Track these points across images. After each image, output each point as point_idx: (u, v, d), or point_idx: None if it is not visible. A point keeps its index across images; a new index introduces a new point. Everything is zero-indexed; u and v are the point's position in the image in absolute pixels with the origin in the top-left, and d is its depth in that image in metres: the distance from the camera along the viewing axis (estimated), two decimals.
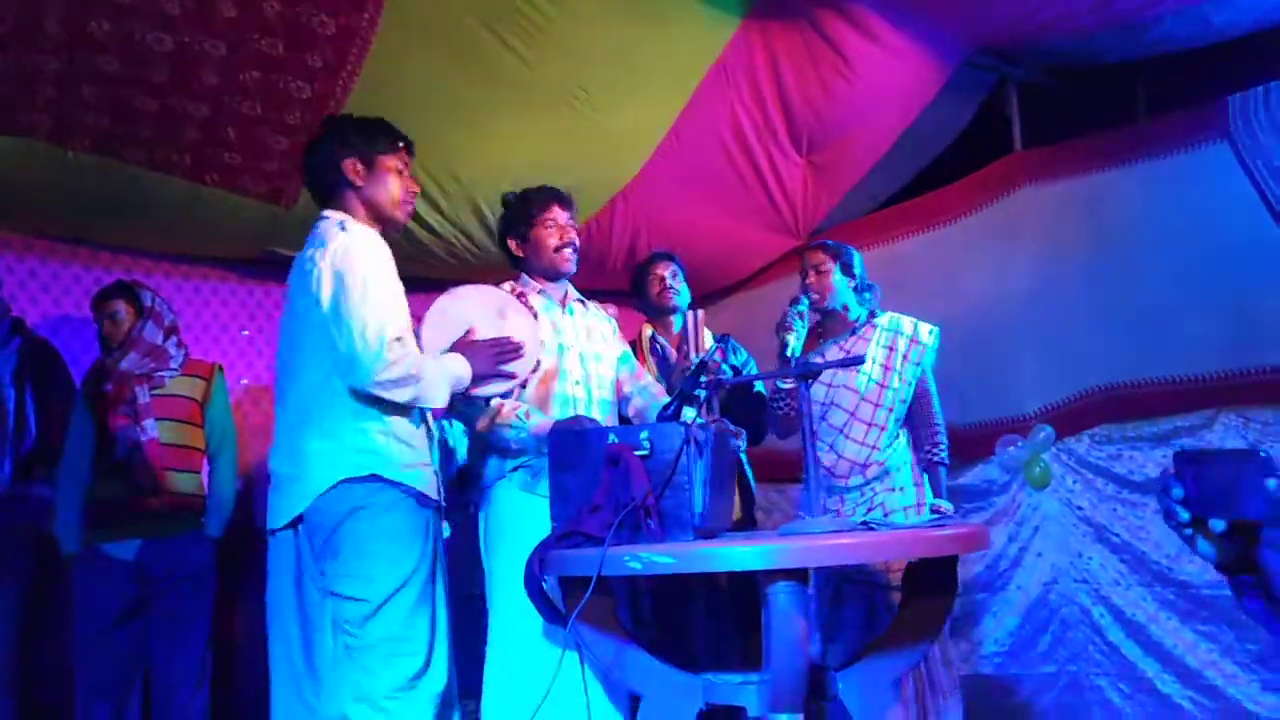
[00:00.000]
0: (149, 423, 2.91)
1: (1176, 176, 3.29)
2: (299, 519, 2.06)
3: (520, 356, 2.31)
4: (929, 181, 4.15)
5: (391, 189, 2.24)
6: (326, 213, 2.21)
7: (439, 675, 2.09)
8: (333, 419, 2.06)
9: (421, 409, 2.19)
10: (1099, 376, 3.44)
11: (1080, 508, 3.46)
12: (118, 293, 3.06)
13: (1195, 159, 3.26)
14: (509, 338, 2.30)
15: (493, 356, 2.25)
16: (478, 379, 2.24)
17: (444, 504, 2.24)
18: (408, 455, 2.10)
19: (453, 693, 2.15)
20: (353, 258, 2.07)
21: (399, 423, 2.11)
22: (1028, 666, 3.53)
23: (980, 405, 3.69)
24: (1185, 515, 1.00)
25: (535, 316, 2.53)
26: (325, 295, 2.05)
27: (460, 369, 2.18)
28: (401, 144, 2.27)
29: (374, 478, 2.04)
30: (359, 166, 2.21)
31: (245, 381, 3.84)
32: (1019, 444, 3.52)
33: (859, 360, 2.39)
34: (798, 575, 1.84)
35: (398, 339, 2.04)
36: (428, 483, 2.15)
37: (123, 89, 2.81)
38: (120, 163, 3.05)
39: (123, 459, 2.88)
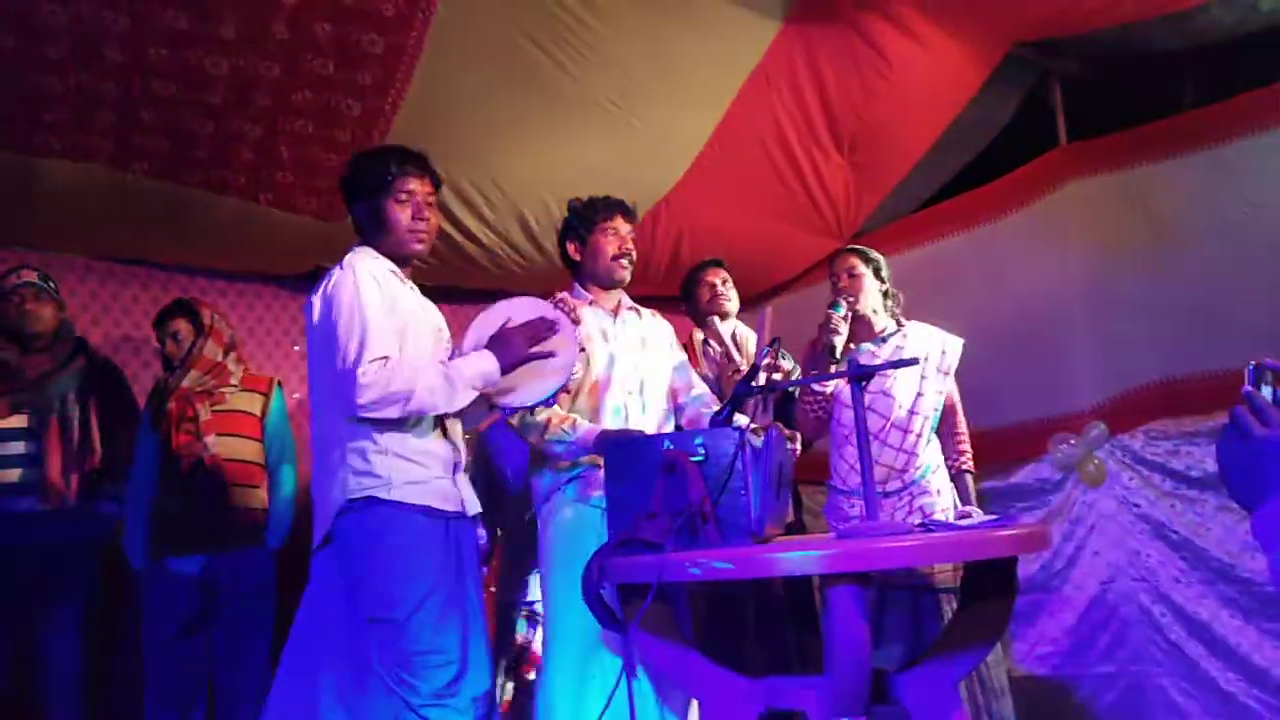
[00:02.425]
0: (211, 439, 2.97)
1: (1229, 165, 3.23)
2: (326, 541, 2.14)
3: (555, 333, 2.28)
4: (973, 178, 4.11)
5: (395, 230, 2.25)
6: (355, 245, 2.29)
7: (479, 679, 2.12)
8: (335, 443, 2.12)
9: (439, 419, 2.20)
10: (1152, 371, 3.38)
11: (1137, 505, 3.41)
12: (178, 311, 3.13)
13: (1249, 147, 3.20)
14: (541, 317, 2.28)
15: (524, 340, 2.23)
16: (511, 366, 2.21)
17: (467, 511, 2.24)
18: (410, 471, 2.12)
19: (495, 694, 2.18)
20: (340, 287, 2.13)
21: (396, 439, 2.12)
22: (1086, 666, 3.49)
23: (1032, 403, 3.65)
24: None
25: (578, 322, 2.55)
26: (317, 325, 2.15)
27: (482, 365, 2.17)
28: (392, 176, 2.24)
29: (370, 500, 2.08)
30: (364, 215, 2.28)
31: (298, 396, 3.91)
32: (1072, 441, 3.48)
33: (914, 361, 2.38)
34: (859, 578, 1.84)
35: (378, 360, 2.05)
36: (437, 494, 2.15)
37: (180, 112, 2.89)
38: (178, 184, 3.14)
39: (186, 475, 2.94)
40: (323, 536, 2.14)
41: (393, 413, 2.06)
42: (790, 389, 3.10)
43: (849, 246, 3.11)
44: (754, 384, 2.33)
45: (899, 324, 2.97)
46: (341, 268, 2.18)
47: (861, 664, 1.84)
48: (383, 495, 2.08)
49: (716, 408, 2.65)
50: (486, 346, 2.23)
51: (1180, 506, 3.30)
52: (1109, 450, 3.47)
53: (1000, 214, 3.87)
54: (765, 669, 2.79)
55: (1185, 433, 3.32)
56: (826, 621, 1.88)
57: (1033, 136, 3.90)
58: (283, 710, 2.16)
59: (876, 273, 2.96)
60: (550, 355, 2.27)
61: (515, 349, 2.21)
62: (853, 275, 2.95)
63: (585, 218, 2.68)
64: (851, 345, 2.97)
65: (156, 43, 2.68)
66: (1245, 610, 3.12)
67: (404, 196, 2.24)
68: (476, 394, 2.17)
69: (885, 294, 2.98)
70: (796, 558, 1.82)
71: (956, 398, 2.96)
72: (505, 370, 2.20)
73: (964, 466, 2.93)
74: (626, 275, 2.67)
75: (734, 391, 2.36)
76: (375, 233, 2.27)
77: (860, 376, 2.18)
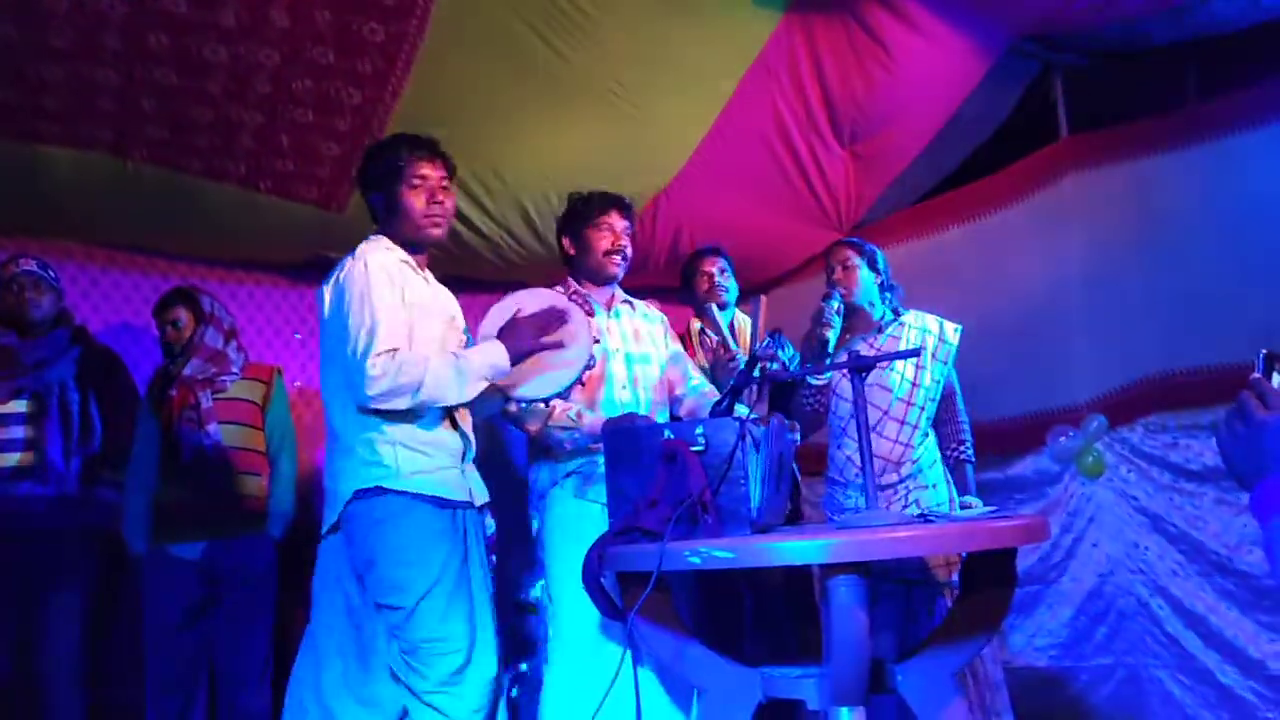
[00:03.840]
0: (212, 427, 2.98)
1: (1230, 159, 3.23)
2: (335, 528, 2.17)
3: (564, 323, 2.27)
4: (973, 170, 4.11)
5: (410, 215, 2.25)
6: (371, 234, 2.31)
7: (486, 665, 2.14)
8: (347, 433, 2.16)
9: (448, 409, 2.20)
10: (1152, 364, 3.39)
11: (1135, 498, 3.42)
12: (178, 299, 3.13)
13: (1249, 141, 3.20)
14: (550, 308, 2.28)
15: (533, 330, 2.22)
16: (521, 356, 2.20)
17: (475, 501, 2.25)
18: (418, 462, 2.14)
19: (502, 682, 2.21)
20: (351, 277, 2.14)
21: (405, 430, 2.14)
22: (1083, 659, 3.50)
23: (1031, 395, 3.66)
24: None
25: (591, 314, 2.55)
26: (328, 316, 2.17)
27: (492, 356, 2.16)
28: (404, 162, 2.24)
29: (379, 489, 2.11)
30: (380, 205, 2.29)
31: (298, 384, 3.91)
32: (1071, 434, 3.48)
33: (915, 353, 2.39)
34: (858, 569, 1.84)
35: (387, 351, 2.05)
36: (446, 486, 2.17)
37: (180, 100, 2.88)
38: (178, 172, 3.13)
39: (188, 463, 2.95)
40: (331, 524, 2.17)
41: (401, 404, 2.08)
42: (789, 379, 3.10)
43: (843, 239, 3.11)
44: (752, 374, 2.33)
45: (896, 314, 2.97)
46: (353, 257, 2.19)
47: (860, 654, 1.85)
48: (390, 485, 2.11)
49: (714, 398, 2.66)
50: (496, 337, 2.25)
51: (1178, 499, 3.31)
52: (1107, 443, 3.47)
53: (1001, 207, 3.87)
54: (764, 658, 2.80)
55: (1184, 426, 3.32)
56: (825, 611, 1.88)
57: (1034, 129, 3.89)
58: (300, 699, 2.19)
59: (871, 264, 2.96)
60: (559, 345, 2.26)
61: (523, 340, 2.21)
62: (846, 268, 2.95)
63: (581, 213, 2.69)
64: (848, 336, 2.97)
65: (156, 30, 2.67)
66: (1242, 603, 3.12)
67: (417, 182, 2.25)
68: (486, 385, 2.16)
69: (882, 285, 2.97)
70: (796, 547, 1.83)
71: (956, 386, 2.96)
72: (514, 361, 2.19)
73: (962, 456, 2.92)
74: (619, 271, 2.68)
75: (733, 382, 2.36)
76: (392, 221, 2.28)
77: (860, 368, 2.19)
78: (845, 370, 2.86)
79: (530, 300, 2.41)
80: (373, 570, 2.11)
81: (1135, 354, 3.42)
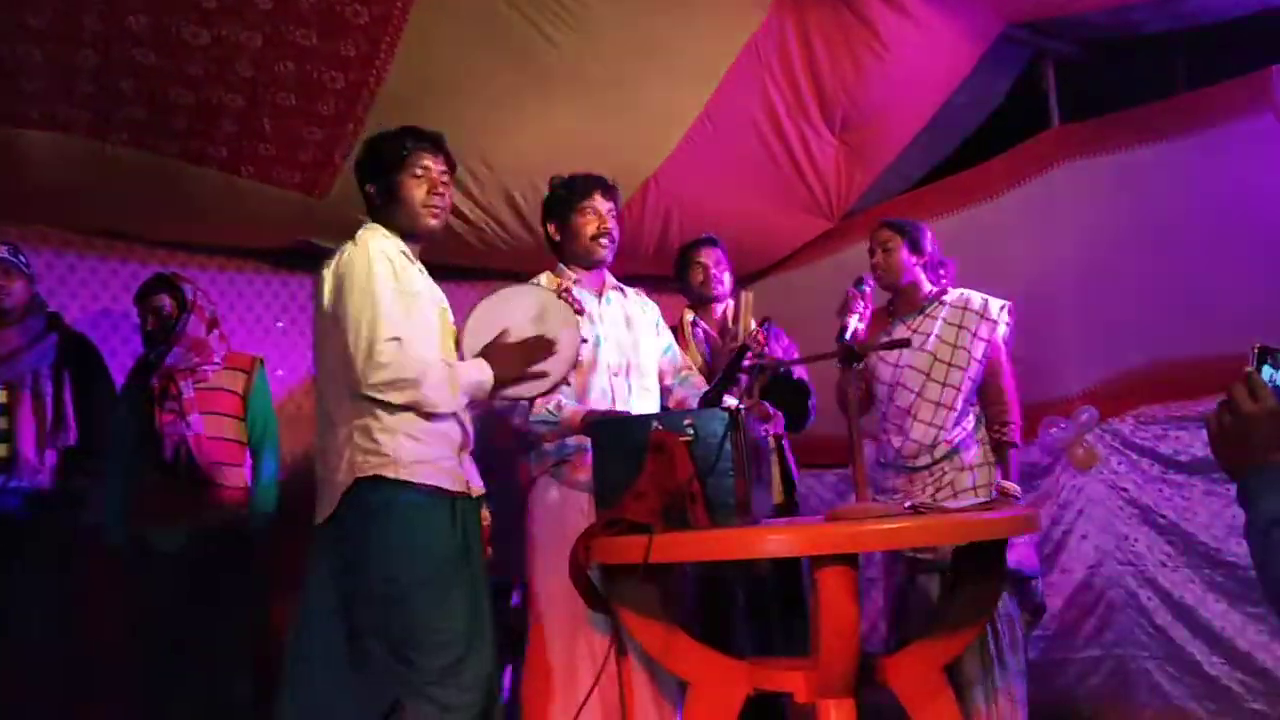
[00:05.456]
0: (194, 417, 2.94)
1: (1220, 149, 3.22)
2: (330, 519, 2.12)
3: (552, 354, 2.27)
4: (964, 159, 4.09)
5: (409, 205, 2.24)
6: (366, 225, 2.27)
7: (482, 660, 2.11)
8: (341, 422, 2.12)
9: None
10: (1143, 355, 3.38)
11: (1125, 489, 3.41)
12: (161, 286, 3.09)
13: (1239, 131, 3.19)
14: (539, 336, 2.26)
15: (520, 358, 2.23)
16: (504, 382, 2.21)
17: (474, 493, 2.23)
18: (417, 451, 2.10)
19: (498, 676, 2.17)
20: (353, 263, 2.11)
21: (404, 418, 2.10)
22: (1073, 650, 3.49)
23: (1022, 386, 3.63)
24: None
25: (581, 312, 2.51)
26: (327, 301, 2.13)
27: (479, 375, 2.17)
28: (407, 151, 2.24)
29: (377, 478, 2.07)
30: (378, 192, 2.26)
31: (281, 373, 3.86)
32: (1062, 425, 3.47)
33: (904, 343, 2.36)
34: (848, 560, 1.82)
35: (392, 340, 2.05)
36: (444, 474, 2.14)
37: (159, 82, 2.83)
38: (157, 156, 3.08)
39: (168, 453, 2.91)
40: (327, 515, 2.12)
41: (398, 397, 2.06)
42: (781, 370, 3.08)
43: (886, 220, 3.05)
44: (740, 364, 2.31)
45: (942, 293, 2.93)
46: (354, 243, 2.17)
47: (849, 646, 1.84)
48: (390, 474, 2.07)
49: (704, 390, 2.63)
50: (484, 354, 2.21)
51: (1168, 491, 3.30)
52: (1098, 434, 3.46)
53: (991, 195, 3.85)
54: (753, 651, 2.79)
55: (1174, 417, 3.31)
56: (814, 603, 1.87)
57: (1025, 118, 3.88)
58: (308, 693, 2.13)
59: (913, 245, 2.92)
60: (543, 375, 2.26)
61: (509, 366, 2.21)
62: (886, 250, 2.93)
63: (564, 198, 2.66)
64: (891, 320, 2.94)
65: (136, 10, 2.62)
66: (1230, 595, 3.12)
67: (419, 172, 2.24)
68: (468, 400, 2.17)
69: (926, 264, 2.93)
70: (780, 539, 1.81)
71: (1003, 364, 2.89)
72: (498, 385, 2.19)
73: (1004, 437, 2.82)
74: (606, 254, 2.64)
75: (721, 373, 2.34)
76: (389, 210, 2.25)
77: (850, 359, 2.17)
78: (878, 354, 2.84)
79: (516, 300, 2.35)
80: (368, 559, 2.07)
81: (1126, 345, 3.41)
